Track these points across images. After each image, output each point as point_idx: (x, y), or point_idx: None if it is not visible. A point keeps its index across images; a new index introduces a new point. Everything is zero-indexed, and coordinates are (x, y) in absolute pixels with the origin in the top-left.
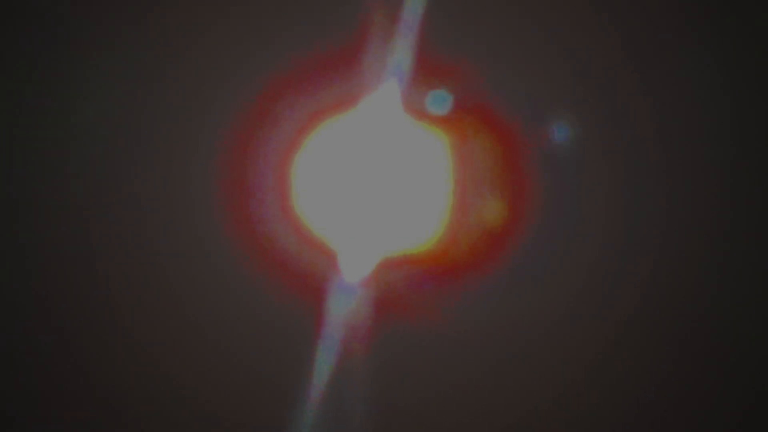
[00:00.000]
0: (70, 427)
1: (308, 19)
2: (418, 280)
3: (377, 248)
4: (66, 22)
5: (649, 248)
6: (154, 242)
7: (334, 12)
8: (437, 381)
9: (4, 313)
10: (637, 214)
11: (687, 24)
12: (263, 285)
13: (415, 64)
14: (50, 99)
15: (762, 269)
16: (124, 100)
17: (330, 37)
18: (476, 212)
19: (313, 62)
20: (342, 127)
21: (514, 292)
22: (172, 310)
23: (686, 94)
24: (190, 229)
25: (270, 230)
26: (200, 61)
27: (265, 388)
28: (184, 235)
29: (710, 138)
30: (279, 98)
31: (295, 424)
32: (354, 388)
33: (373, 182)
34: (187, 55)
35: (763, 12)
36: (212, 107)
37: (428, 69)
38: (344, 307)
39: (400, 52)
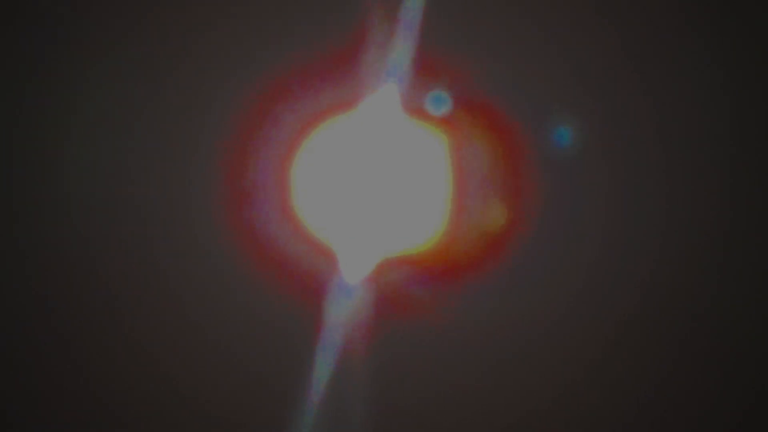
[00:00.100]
0: (70, 427)
1: (307, 19)
2: (418, 280)
3: (377, 249)
4: (65, 21)
5: (649, 248)
6: (154, 243)
7: (333, 12)
8: (437, 381)
9: (4, 313)
10: (637, 214)
11: (687, 24)
12: (263, 285)
13: (414, 65)
14: (50, 99)
15: (762, 269)
16: (123, 100)
17: (329, 37)
18: (476, 212)
19: (313, 63)
20: (342, 127)
21: (514, 292)
22: (172, 311)
23: (686, 94)
24: (190, 230)
25: (270, 231)
26: (200, 62)
27: (265, 388)
28: (184, 236)
29: (710, 138)
30: (278, 99)
31: (295, 425)
32: (354, 388)
33: (373, 183)
34: (186, 55)
35: (763, 12)
36: (212, 108)
37: (428, 69)
38: (344, 308)
39: (400, 52)
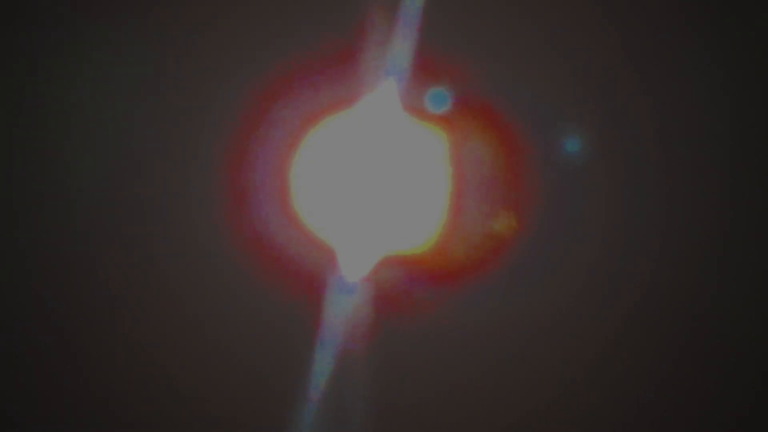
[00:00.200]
0: (70, 427)
1: (307, 18)
2: (418, 279)
3: (376, 247)
4: (65, 21)
5: (649, 248)
6: (154, 241)
7: (333, 11)
8: (436, 381)
9: (4, 313)
10: (637, 214)
11: (687, 24)
12: (262, 284)
13: (414, 64)
14: (49, 99)
15: (762, 269)
16: (123, 100)
17: (329, 36)
18: (475, 212)
19: (313, 61)
20: (341, 126)
21: (514, 292)
22: (172, 310)
23: (686, 94)
24: (190, 229)
25: (269, 229)
26: (199, 61)
27: (264, 387)
28: (183, 235)
29: (710, 138)
30: (278, 98)
31: (295, 424)
32: (353, 387)
33: (372, 182)
34: (186, 54)
35: (763, 12)
36: (211, 106)
37: (427, 68)
38: (343, 307)
39: (399, 51)
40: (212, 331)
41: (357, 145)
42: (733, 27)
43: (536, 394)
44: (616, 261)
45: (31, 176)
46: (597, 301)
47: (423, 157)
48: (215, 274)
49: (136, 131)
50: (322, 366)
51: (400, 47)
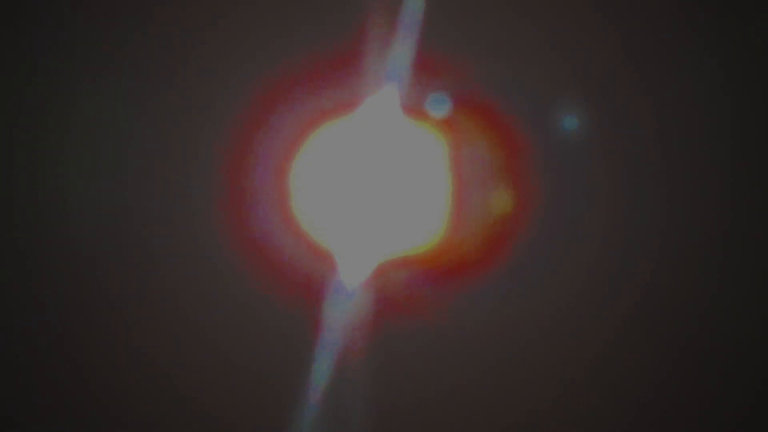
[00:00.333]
0: (70, 427)
1: (308, 21)
2: (418, 281)
3: (377, 250)
4: (65, 22)
5: (649, 248)
6: (154, 245)
7: (333, 14)
8: (437, 382)
9: (4, 313)
10: (637, 214)
11: (687, 24)
12: (263, 287)
13: (414, 66)
14: (49, 100)
15: (762, 269)
16: (124, 101)
17: (330, 39)
18: (476, 213)
19: (313, 64)
20: (342, 129)
21: (514, 293)
22: (172, 313)
23: (686, 94)
24: (190, 232)
25: (270, 232)
26: (200, 63)
27: (265, 390)
28: (183, 238)
29: (710, 138)
30: (278, 101)
31: (296, 427)
32: (354, 390)
33: (373, 184)
34: (186, 56)
35: (763, 12)
36: (212, 109)
37: (428, 70)
38: (344, 309)
39: (400, 53)
40: (213, 334)
41: (358, 148)
42: (733, 27)
43: (536, 395)
44: (616, 261)
45: (31, 177)
46: (597, 301)
47: (423, 160)
48: (217, 277)
49: (137, 133)
50: (323, 368)
51: (401, 50)
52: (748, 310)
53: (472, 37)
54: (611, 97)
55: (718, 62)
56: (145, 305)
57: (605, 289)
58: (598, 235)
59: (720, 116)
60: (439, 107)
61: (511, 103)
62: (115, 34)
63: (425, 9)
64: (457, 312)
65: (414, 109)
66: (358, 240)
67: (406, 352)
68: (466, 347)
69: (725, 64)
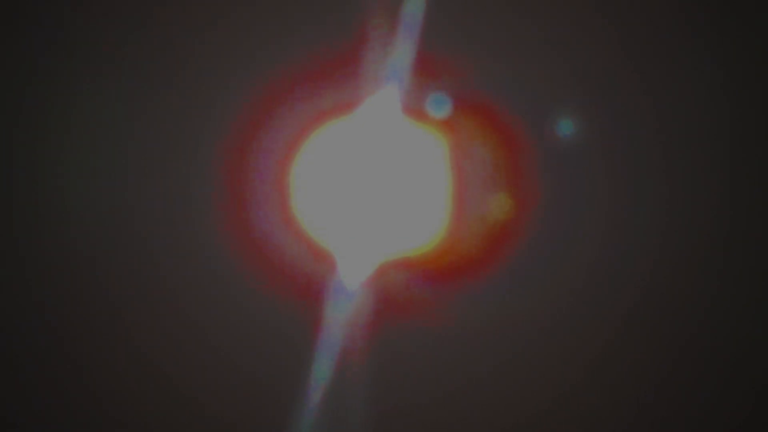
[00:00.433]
0: (70, 427)
1: (308, 21)
2: (419, 282)
3: (377, 251)
4: (65, 23)
5: (649, 249)
6: (154, 245)
7: (333, 14)
8: (437, 383)
9: (4, 314)
10: (637, 214)
11: (687, 24)
12: (263, 287)
13: (414, 66)
14: (49, 100)
15: (762, 269)
16: (124, 102)
17: (330, 39)
18: (476, 214)
19: (313, 65)
20: (342, 130)
21: (514, 294)
22: (172, 313)
23: (686, 94)
24: (189, 233)
25: (270, 233)
26: (199, 64)
27: (265, 391)
28: (183, 239)
29: (710, 138)
30: (278, 101)
31: (295, 427)
32: (354, 391)
33: (373, 185)
34: (186, 57)
35: (763, 12)
36: (212, 110)
37: (428, 71)
38: (344, 310)
39: (400, 54)
40: (213, 335)
41: (358, 148)
42: (733, 27)
43: (537, 395)
44: (616, 261)
45: (31, 178)
46: (597, 302)
47: (424, 161)
48: (216, 277)
49: (137, 133)
50: (323, 369)
51: (401, 50)
52: (748, 311)
53: (472, 37)
54: (611, 97)
55: (718, 62)
56: (145, 305)
57: (605, 289)
58: (598, 235)
59: (720, 116)
60: (439, 108)
61: (512, 103)
62: (115, 34)
63: (425, 9)
64: (458, 312)
65: (414, 109)
66: (359, 240)
67: (407, 352)
68: (467, 348)
69: (725, 64)
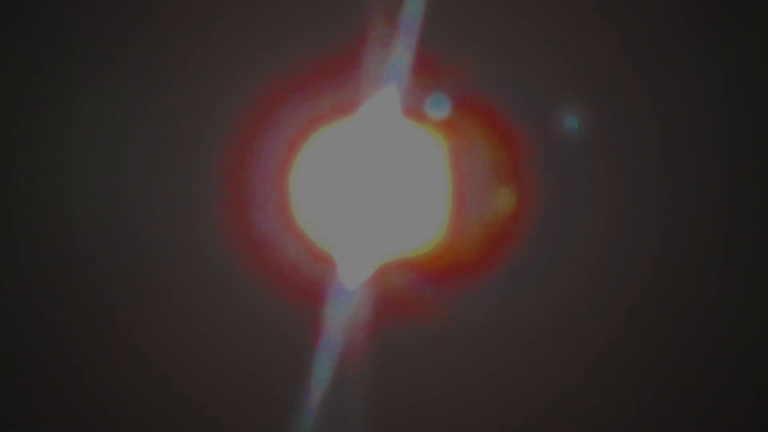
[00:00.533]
0: (70, 428)
1: (307, 22)
2: (419, 282)
3: (377, 252)
4: (65, 23)
5: (649, 249)
6: (154, 246)
7: (333, 15)
8: (437, 384)
9: (4, 314)
10: (637, 214)
11: (687, 24)
12: (263, 289)
13: (414, 67)
14: (49, 100)
15: (762, 270)
16: (124, 102)
17: (329, 40)
18: (476, 215)
19: (313, 66)
20: (342, 131)
21: (514, 295)
22: (172, 314)
23: (686, 94)
24: (189, 233)
25: (270, 234)
26: (199, 65)
27: (266, 392)
28: (183, 240)
29: (710, 138)
30: (278, 102)
31: (296, 428)
32: (354, 392)
33: (373, 186)
34: (186, 57)
35: (763, 12)
36: (211, 111)
37: (428, 72)
38: (344, 311)
39: (400, 55)
40: (213, 336)
41: (358, 149)
42: (733, 27)
43: (538, 396)
44: (617, 262)
45: (31, 178)
46: (597, 302)
47: (424, 162)
48: (216, 279)
49: (137, 134)
50: (323, 370)
51: (401, 51)
52: (748, 311)
53: (472, 37)
54: (611, 97)
55: (718, 62)
56: (145, 307)
57: (605, 289)
58: (598, 235)
59: (720, 116)
60: (439, 108)
61: (512, 103)
62: (115, 34)
63: (425, 9)
64: (458, 313)
65: (414, 110)
66: (359, 241)
67: (407, 352)
68: (467, 348)
69: (725, 64)
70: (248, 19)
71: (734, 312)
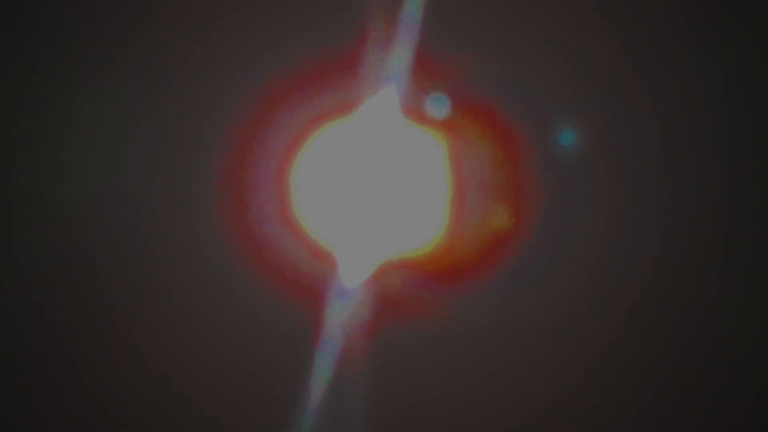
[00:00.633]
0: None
1: (307, 22)
2: (419, 283)
3: (377, 252)
4: (65, 23)
5: (649, 249)
6: (153, 246)
7: (333, 15)
8: (437, 384)
9: (3, 315)
10: (637, 215)
11: (687, 24)
12: (263, 288)
13: (414, 67)
14: (49, 100)
15: (762, 270)
16: (123, 102)
17: (329, 40)
18: (476, 215)
19: (313, 65)
20: (341, 130)
21: (515, 295)
22: (171, 314)
23: (686, 95)
24: (189, 233)
25: (270, 233)
26: (199, 64)
27: (265, 392)
28: (183, 240)
29: (710, 138)
30: (278, 102)
31: (295, 428)
32: (354, 391)
33: (373, 186)
34: (186, 58)
35: (763, 12)
36: (211, 111)
37: (428, 72)
38: (344, 311)
39: (400, 54)
40: (212, 336)
41: (357, 149)
42: (733, 27)
43: (537, 397)
44: (617, 262)
45: (31, 178)
46: (597, 303)
47: (423, 162)
48: (216, 278)
49: (136, 135)
50: (323, 370)
51: (401, 51)
52: (748, 311)
53: (472, 37)
54: (611, 97)
55: (718, 62)
56: (145, 306)
57: (605, 289)
58: (598, 235)
59: (720, 116)
60: (439, 108)
61: (511, 103)
62: (115, 34)
63: (425, 9)
64: (458, 313)
65: (413, 109)
66: (359, 241)
67: (407, 352)
68: (467, 348)
69: (725, 64)
70: (248, 19)
71: (734, 312)
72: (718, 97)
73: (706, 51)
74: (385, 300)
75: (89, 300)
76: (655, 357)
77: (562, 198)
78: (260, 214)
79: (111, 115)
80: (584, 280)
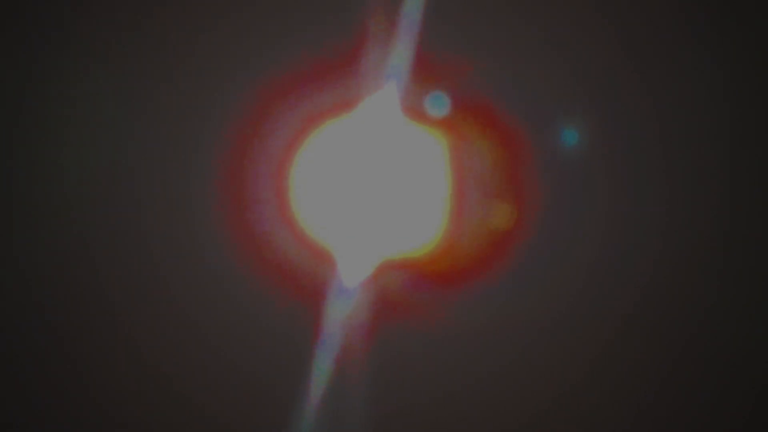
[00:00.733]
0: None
1: (307, 21)
2: (418, 283)
3: (376, 251)
4: (65, 24)
5: (649, 250)
6: (153, 245)
7: (332, 14)
8: (436, 385)
9: (3, 313)
10: (637, 215)
11: (687, 24)
12: (262, 288)
13: (414, 66)
14: (49, 100)
15: (762, 270)
16: (123, 101)
17: (329, 39)
18: (476, 215)
19: (312, 64)
20: (341, 129)
21: (515, 294)
22: (170, 313)
23: (686, 94)
24: (188, 233)
25: (269, 233)
26: (198, 64)
27: (265, 391)
28: (182, 239)
29: (710, 138)
30: (277, 101)
31: (295, 428)
32: (353, 392)
33: (372, 185)
34: (185, 56)
35: (763, 12)
36: (210, 109)
37: (427, 71)
38: (343, 310)
39: (399, 53)
40: (212, 335)
41: (357, 148)
42: (733, 27)
43: (537, 396)
44: (617, 263)
45: (31, 177)
46: (597, 303)
47: (423, 161)
48: (215, 277)
49: (135, 134)
50: (322, 369)
51: (400, 50)
52: (748, 311)
53: (472, 37)
54: (611, 97)
55: (718, 62)
56: (144, 305)
57: (605, 289)
58: (598, 235)
59: (720, 116)
60: (439, 107)
61: (511, 103)
62: (115, 33)
63: (425, 9)
64: (457, 313)
65: (413, 109)
66: (358, 241)
67: (406, 352)
68: (467, 348)
69: (725, 64)
70: (248, 17)
71: (734, 312)
72: (718, 97)
73: (706, 51)
74: (385, 300)
75: (89, 300)
76: (655, 357)
77: (562, 198)
78: (260, 214)
79: (110, 114)
80: (584, 280)
